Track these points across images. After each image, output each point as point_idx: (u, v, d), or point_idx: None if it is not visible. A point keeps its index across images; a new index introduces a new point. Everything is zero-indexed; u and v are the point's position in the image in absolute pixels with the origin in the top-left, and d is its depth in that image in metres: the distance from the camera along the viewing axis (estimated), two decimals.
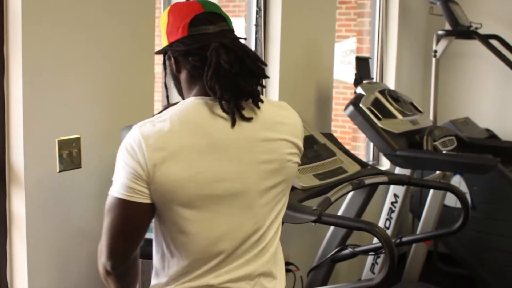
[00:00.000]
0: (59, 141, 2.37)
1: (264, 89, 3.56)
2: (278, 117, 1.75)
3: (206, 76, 1.64)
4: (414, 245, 4.50)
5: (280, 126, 1.74)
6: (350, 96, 5.80)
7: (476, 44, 4.96)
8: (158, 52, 1.79)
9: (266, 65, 1.79)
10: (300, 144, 1.80)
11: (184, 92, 1.77)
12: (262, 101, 1.71)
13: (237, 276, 1.72)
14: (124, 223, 1.64)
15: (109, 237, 1.65)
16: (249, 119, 1.67)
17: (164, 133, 1.61)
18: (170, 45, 1.72)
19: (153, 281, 1.77)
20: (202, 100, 1.67)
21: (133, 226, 1.65)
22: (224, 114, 1.65)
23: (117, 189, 1.62)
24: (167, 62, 1.79)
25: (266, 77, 1.74)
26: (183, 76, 1.75)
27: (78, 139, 2.44)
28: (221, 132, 1.65)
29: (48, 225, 2.38)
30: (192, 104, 1.67)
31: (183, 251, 1.67)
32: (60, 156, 2.37)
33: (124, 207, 1.61)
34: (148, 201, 1.62)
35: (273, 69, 3.60)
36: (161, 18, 1.77)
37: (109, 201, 1.65)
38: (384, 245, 2.41)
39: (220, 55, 1.64)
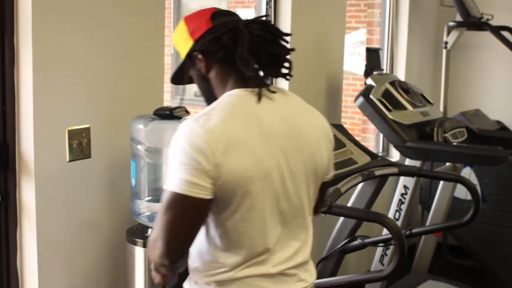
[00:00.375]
0: (69, 131, 2.37)
1: (274, 80, 3.56)
2: (307, 107, 1.84)
3: (242, 50, 1.66)
4: (423, 237, 4.48)
5: (312, 115, 1.83)
6: (359, 87, 5.77)
7: (487, 35, 4.92)
8: (182, 66, 1.82)
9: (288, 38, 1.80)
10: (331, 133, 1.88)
11: (217, 90, 1.77)
12: (291, 75, 1.76)
13: (293, 265, 1.76)
14: (185, 220, 1.61)
15: (168, 234, 1.61)
16: (286, 78, 1.75)
17: (222, 124, 1.62)
18: (197, 41, 1.74)
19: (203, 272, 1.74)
20: (246, 92, 1.70)
21: (193, 223, 1.63)
22: (267, 101, 1.70)
23: (178, 185, 1.58)
24: (193, 68, 1.79)
25: (292, 49, 1.77)
26: (213, 72, 1.76)
27: (88, 129, 2.44)
28: (270, 122, 1.69)
29: (57, 215, 2.39)
30: (239, 95, 1.70)
31: (244, 238, 1.67)
32: (70, 146, 2.38)
33: (187, 203, 1.59)
34: (210, 196, 1.60)
35: None
36: (177, 30, 1.79)
37: (168, 197, 1.60)
38: (394, 236, 2.40)
39: (251, 28, 1.69)
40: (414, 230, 3.36)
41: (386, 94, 3.82)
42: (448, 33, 4.96)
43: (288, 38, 1.77)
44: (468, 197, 4.20)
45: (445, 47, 4.98)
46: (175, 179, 1.59)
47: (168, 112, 2.43)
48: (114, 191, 2.59)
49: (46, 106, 2.31)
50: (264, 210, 1.67)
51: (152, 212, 2.52)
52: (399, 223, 3.92)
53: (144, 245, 2.40)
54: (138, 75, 2.67)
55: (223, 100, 1.70)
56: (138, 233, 2.46)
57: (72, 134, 2.38)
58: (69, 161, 2.39)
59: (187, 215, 1.61)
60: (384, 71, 4.54)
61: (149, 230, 2.45)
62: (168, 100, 8.64)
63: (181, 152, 1.60)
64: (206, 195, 1.59)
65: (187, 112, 2.49)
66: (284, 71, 1.76)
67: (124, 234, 2.50)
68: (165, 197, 1.61)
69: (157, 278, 1.81)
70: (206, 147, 1.58)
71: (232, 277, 1.69)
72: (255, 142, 1.65)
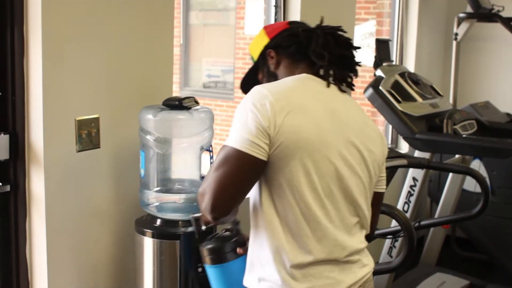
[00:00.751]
0: (78, 121, 2.37)
1: None
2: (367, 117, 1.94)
3: (316, 43, 1.82)
4: (432, 229, 4.48)
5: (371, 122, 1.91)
6: (368, 79, 5.75)
7: (497, 27, 4.88)
8: (253, 68, 1.98)
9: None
10: None
11: None
12: (354, 86, 1.90)
13: (355, 248, 1.81)
14: (237, 176, 1.66)
15: (217, 188, 1.66)
16: (351, 88, 1.88)
17: (288, 91, 1.73)
18: (272, 39, 1.90)
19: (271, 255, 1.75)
20: (315, 78, 1.82)
21: (243, 181, 1.68)
22: (334, 89, 1.82)
23: (237, 142, 1.65)
24: (263, 66, 1.94)
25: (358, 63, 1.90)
26: (282, 67, 1.90)
27: (97, 119, 2.44)
28: (335, 105, 1.78)
29: (66, 205, 2.39)
30: (304, 76, 1.82)
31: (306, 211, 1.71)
32: (79, 136, 2.38)
33: (242, 160, 1.65)
34: (265, 158, 1.66)
35: None
36: (255, 37, 1.97)
37: (226, 152, 1.67)
38: (404, 228, 2.40)
39: (325, 29, 1.86)
40: (423, 222, 3.35)
41: (396, 86, 3.80)
42: (458, 24, 4.93)
43: (356, 52, 1.90)
44: (477, 189, 4.19)
45: (455, 39, 4.94)
46: (235, 136, 1.67)
47: (177, 103, 2.43)
48: (123, 181, 2.59)
49: (56, 96, 2.30)
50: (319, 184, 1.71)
51: (161, 202, 2.52)
52: (407, 215, 3.91)
53: (153, 236, 2.40)
54: (147, 65, 2.67)
55: (289, 78, 1.82)
56: (147, 223, 2.46)
57: (81, 124, 2.38)
58: (78, 151, 2.39)
59: (239, 172, 1.66)
60: (394, 63, 4.52)
61: (158, 220, 2.45)
62: (177, 91, 8.65)
63: (245, 111, 1.68)
64: (262, 156, 1.65)
65: (197, 103, 2.49)
66: (349, 79, 1.87)
67: (133, 224, 2.50)
68: (221, 152, 1.68)
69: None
70: (270, 107, 1.65)
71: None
72: (319, 114, 1.73)
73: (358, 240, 1.83)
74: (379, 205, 1.99)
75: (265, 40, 1.91)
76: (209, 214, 1.69)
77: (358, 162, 1.79)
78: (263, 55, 1.92)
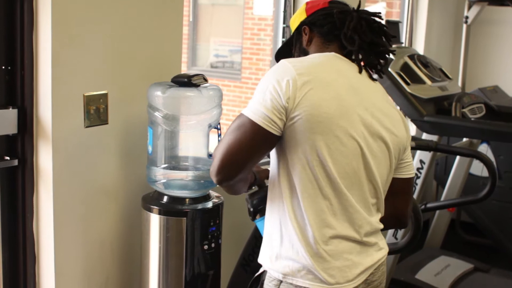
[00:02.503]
0: (86, 97, 2.37)
1: None
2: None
3: (348, 27, 1.83)
4: (437, 212, 4.48)
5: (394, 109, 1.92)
6: None
7: (509, 11, 4.85)
8: (289, 40, 2.01)
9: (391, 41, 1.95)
10: None
11: None
12: (384, 73, 1.94)
13: (376, 227, 1.84)
14: (247, 145, 1.70)
15: (225, 152, 1.70)
16: (379, 75, 1.90)
17: (313, 66, 1.75)
18: (309, 16, 1.92)
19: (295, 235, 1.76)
20: (341, 56, 1.84)
21: (252, 150, 1.71)
22: (363, 73, 1.84)
23: (253, 113, 1.69)
24: (298, 41, 1.97)
25: (393, 51, 1.92)
26: (313, 46, 1.92)
27: (105, 95, 2.43)
28: (359, 81, 1.81)
29: (74, 180, 2.40)
30: (332, 54, 1.84)
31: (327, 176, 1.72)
32: (87, 111, 2.38)
33: (255, 131, 1.69)
34: (277, 133, 1.70)
35: None
36: (297, 11, 1.98)
37: (241, 120, 1.71)
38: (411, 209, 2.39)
39: (361, 13, 1.86)
40: (429, 205, 3.36)
41: (405, 68, 3.79)
42: (469, 7, 4.90)
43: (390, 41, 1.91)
44: (484, 174, 4.19)
45: (466, 22, 4.92)
46: (252, 107, 1.71)
47: (186, 80, 2.42)
48: (131, 158, 2.59)
49: (64, 71, 2.30)
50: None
51: (168, 179, 2.52)
52: (414, 197, 3.91)
53: (159, 212, 2.40)
54: (156, 42, 2.66)
55: (320, 54, 1.84)
56: (154, 200, 2.46)
57: (90, 99, 2.38)
58: (86, 126, 2.39)
59: (249, 142, 1.69)
60: (403, 45, 4.50)
61: (165, 197, 2.45)
62: (184, 71, 8.63)
63: (266, 84, 1.71)
64: (274, 131, 1.69)
65: (205, 80, 2.48)
66: (378, 67, 1.88)
67: (139, 201, 2.51)
68: (237, 120, 1.71)
69: None
70: (292, 83, 1.68)
71: None
72: (342, 90, 1.74)
73: (376, 220, 1.84)
74: (410, 191, 2.01)
75: (303, 16, 1.94)
76: (214, 177, 1.73)
77: (379, 143, 1.80)
78: (299, 30, 1.95)
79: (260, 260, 1.84)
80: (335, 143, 1.70)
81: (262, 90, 1.71)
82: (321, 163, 1.70)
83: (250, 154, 1.71)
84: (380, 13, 1.90)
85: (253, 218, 2.07)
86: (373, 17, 1.88)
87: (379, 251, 1.85)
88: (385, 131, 1.80)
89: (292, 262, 1.74)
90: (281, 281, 1.76)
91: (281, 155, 1.75)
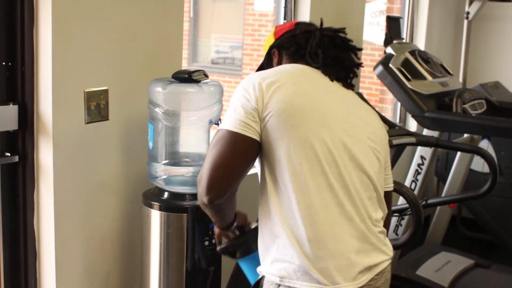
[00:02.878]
0: (87, 93, 2.36)
1: None
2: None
3: (311, 45, 1.90)
4: (438, 208, 4.48)
5: (370, 110, 1.98)
6: (378, 57, 5.73)
7: (510, 7, 4.85)
8: (262, 63, 2.08)
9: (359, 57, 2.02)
10: None
11: None
12: (353, 86, 1.95)
13: (375, 218, 1.84)
14: (230, 155, 1.70)
15: (211, 168, 1.69)
16: (350, 88, 1.93)
17: (278, 71, 1.83)
18: (277, 39, 2.00)
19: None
20: (311, 68, 1.89)
21: (236, 160, 1.71)
22: (335, 82, 1.89)
23: (228, 124, 1.72)
24: (269, 63, 2.04)
25: (360, 64, 1.98)
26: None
27: (106, 91, 2.43)
28: (332, 86, 1.87)
29: (74, 176, 2.40)
30: (301, 65, 1.90)
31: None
32: (88, 107, 2.37)
33: (233, 140, 1.70)
34: (256, 137, 1.71)
35: None
36: (268, 36, 2.06)
37: (218, 135, 1.73)
38: (411, 205, 2.39)
39: (323, 31, 1.94)
40: (430, 201, 3.35)
41: (406, 64, 3.78)
42: (470, 3, 4.89)
43: (359, 54, 2.00)
44: (485, 169, 4.18)
45: (467, 18, 4.91)
46: (226, 119, 1.74)
47: (186, 76, 2.42)
48: (131, 154, 2.59)
49: (65, 67, 2.30)
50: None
51: (168, 175, 2.52)
52: (415, 193, 3.91)
53: (160, 209, 2.40)
54: (157, 38, 2.65)
55: (287, 64, 1.94)
56: (154, 196, 2.46)
57: (90, 95, 2.38)
58: (87, 122, 2.39)
59: (232, 151, 1.70)
60: (404, 40, 4.49)
61: (165, 193, 2.45)
62: (185, 67, 8.62)
63: (235, 96, 1.77)
64: (252, 134, 1.70)
65: (206, 76, 2.48)
66: (348, 80, 1.93)
67: (140, 197, 2.51)
68: (215, 136, 1.74)
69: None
70: (257, 86, 1.74)
71: None
72: (313, 88, 1.81)
73: (376, 217, 1.82)
74: (390, 206, 1.98)
75: (272, 40, 2.02)
76: (205, 196, 1.70)
77: (360, 136, 1.81)
78: (269, 53, 2.03)
79: (259, 269, 1.83)
80: (311, 135, 1.71)
81: (233, 103, 1.76)
82: (299, 159, 1.70)
83: (236, 164, 1.71)
84: (344, 28, 1.98)
85: (238, 257, 2.09)
86: (336, 33, 1.94)
87: (379, 254, 1.80)
88: (366, 137, 1.82)
89: (287, 264, 1.72)
90: (279, 285, 1.75)
91: (264, 161, 1.75)
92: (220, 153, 1.69)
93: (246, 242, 2.01)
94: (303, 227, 1.70)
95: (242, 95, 1.74)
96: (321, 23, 1.99)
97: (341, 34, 1.95)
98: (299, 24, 2.04)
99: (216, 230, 2.04)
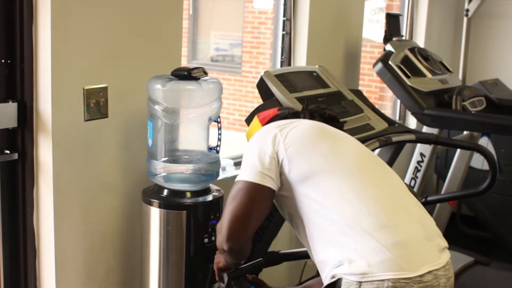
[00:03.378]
0: (86, 90, 2.36)
1: (292, 45, 3.56)
2: None
3: (304, 116, 2.08)
4: (438, 206, 4.47)
5: None
6: (377, 55, 5.71)
7: (509, 4, 4.84)
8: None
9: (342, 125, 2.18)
10: None
11: None
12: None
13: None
14: (249, 206, 1.80)
15: (231, 219, 1.80)
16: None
17: (289, 121, 1.98)
18: (266, 123, 2.08)
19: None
20: None
21: (256, 210, 1.82)
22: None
23: (247, 175, 1.81)
24: None
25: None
26: None
27: (105, 88, 2.43)
28: (343, 137, 2.02)
29: (74, 173, 2.40)
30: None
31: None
32: (87, 105, 2.37)
33: (253, 190, 1.80)
34: (274, 187, 1.82)
35: (302, 25, 3.56)
36: (251, 125, 2.19)
37: (237, 186, 1.82)
38: None
39: (312, 109, 2.10)
40: (429, 198, 3.35)
41: (405, 61, 3.79)
42: (470, 0, 4.88)
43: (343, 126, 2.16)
44: (484, 167, 4.18)
45: (466, 15, 4.91)
46: (246, 169, 1.84)
47: (186, 73, 2.42)
48: (131, 151, 2.59)
49: (64, 64, 2.30)
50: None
51: (168, 173, 2.52)
52: (414, 190, 3.91)
53: (159, 206, 2.40)
54: (156, 35, 2.65)
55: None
56: (154, 193, 2.46)
57: (90, 93, 2.38)
58: (86, 120, 2.39)
59: (251, 202, 1.80)
60: (404, 38, 4.49)
61: (165, 190, 2.45)
62: (184, 65, 8.62)
63: (252, 147, 1.89)
64: (271, 184, 1.81)
65: (205, 73, 2.47)
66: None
67: (140, 194, 2.51)
68: (234, 187, 1.82)
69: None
70: (273, 137, 1.86)
71: None
72: (317, 124, 1.98)
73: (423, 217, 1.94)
74: None
75: (259, 126, 2.10)
76: (226, 244, 1.82)
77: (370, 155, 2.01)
78: None
79: (326, 279, 1.78)
80: (328, 154, 1.86)
81: (250, 152, 1.86)
82: (335, 171, 1.83)
83: (254, 215, 1.82)
84: (331, 109, 2.15)
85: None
86: (323, 110, 2.11)
87: (441, 240, 1.89)
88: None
89: (368, 258, 1.70)
90: (360, 282, 1.70)
91: (298, 197, 1.83)
92: (239, 204, 1.82)
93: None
94: (372, 217, 1.74)
95: (259, 146, 1.88)
96: (306, 104, 2.16)
97: (327, 111, 2.11)
98: (283, 109, 2.17)
99: (217, 266, 2.08)
